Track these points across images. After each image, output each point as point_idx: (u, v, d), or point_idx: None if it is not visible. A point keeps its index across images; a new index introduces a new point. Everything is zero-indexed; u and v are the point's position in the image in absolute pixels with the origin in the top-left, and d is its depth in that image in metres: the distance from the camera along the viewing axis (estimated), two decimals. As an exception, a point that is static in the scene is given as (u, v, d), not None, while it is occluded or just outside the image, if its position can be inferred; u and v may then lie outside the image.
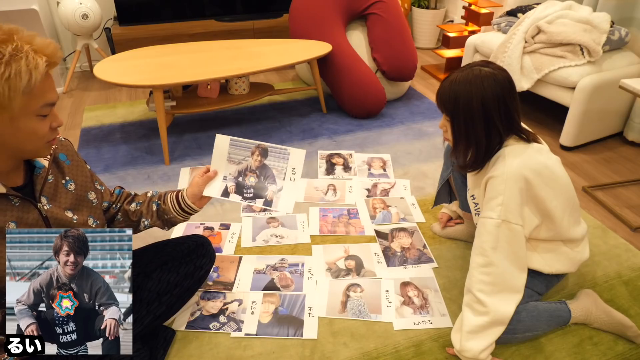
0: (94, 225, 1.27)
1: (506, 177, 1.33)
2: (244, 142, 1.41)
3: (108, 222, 1.41)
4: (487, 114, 1.33)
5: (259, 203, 1.41)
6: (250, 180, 1.42)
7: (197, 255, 1.50)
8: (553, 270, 1.49)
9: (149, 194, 1.46)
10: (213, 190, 1.41)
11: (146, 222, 1.43)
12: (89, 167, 1.34)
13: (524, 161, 1.34)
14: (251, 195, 1.42)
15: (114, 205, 1.42)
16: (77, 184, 1.26)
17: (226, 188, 1.41)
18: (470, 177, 1.56)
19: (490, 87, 1.31)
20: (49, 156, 1.18)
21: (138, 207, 1.43)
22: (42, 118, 1.00)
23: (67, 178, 1.23)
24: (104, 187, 1.39)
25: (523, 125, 1.46)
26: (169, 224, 1.46)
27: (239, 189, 1.42)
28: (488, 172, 1.39)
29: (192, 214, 1.44)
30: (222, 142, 1.42)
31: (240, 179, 1.42)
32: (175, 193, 1.42)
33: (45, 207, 1.14)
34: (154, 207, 1.42)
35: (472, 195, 1.54)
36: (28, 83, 0.92)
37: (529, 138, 1.40)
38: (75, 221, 1.21)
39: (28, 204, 1.10)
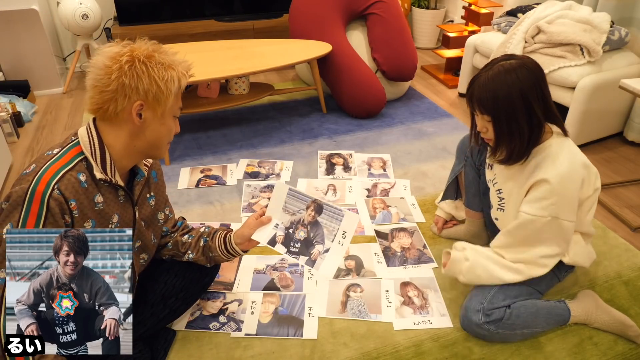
0: (153, 242, 1.34)
1: (563, 180, 1.36)
2: (302, 194, 1.39)
3: (159, 247, 1.43)
4: (527, 104, 1.33)
5: (302, 260, 1.36)
6: (300, 234, 1.38)
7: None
8: (572, 262, 1.51)
9: (202, 229, 1.46)
10: (262, 235, 1.37)
11: (190, 255, 1.43)
12: (166, 193, 1.42)
13: (572, 158, 1.38)
14: (297, 250, 1.36)
15: (170, 234, 1.44)
16: (156, 202, 1.34)
17: (274, 236, 1.37)
18: (500, 171, 1.55)
19: (525, 77, 1.32)
20: (147, 168, 1.28)
21: (189, 240, 1.43)
22: (175, 120, 1.19)
23: (152, 193, 1.33)
24: (172, 215, 1.44)
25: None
26: (212, 261, 1.44)
27: (287, 241, 1.37)
28: (535, 173, 1.40)
29: (235, 257, 1.43)
30: (280, 189, 1.39)
31: (290, 230, 1.38)
32: (224, 232, 1.42)
33: (137, 212, 1.25)
34: (202, 243, 1.43)
35: (499, 190, 1.55)
36: (178, 88, 1.12)
37: (563, 127, 1.43)
38: (145, 233, 1.30)
39: (129, 204, 1.22)
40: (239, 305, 1.62)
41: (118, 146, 1.13)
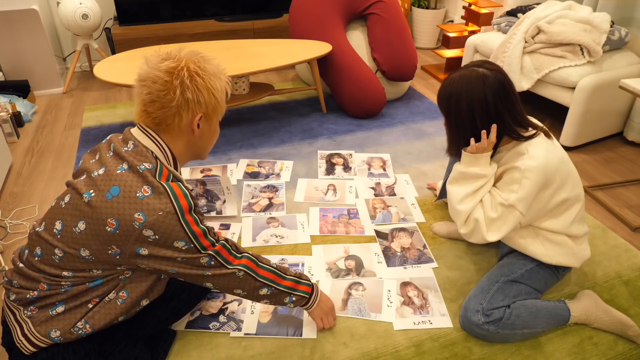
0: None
1: (528, 172, 1.37)
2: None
3: None
4: (472, 115, 1.38)
5: (212, 214, 1.99)
6: (201, 202, 1.99)
7: None
8: (553, 261, 1.51)
9: None
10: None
11: None
12: None
13: (547, 155, 1.38)
14: (205, 210, 2.01)
15: None
16: None
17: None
18: None
19: (477, 90, 1.36)
20: None
21: None
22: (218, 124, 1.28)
23: None
24: None
25: (535, 121, 1.51)
26: None
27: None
28: (504, 164, 1.44)
29: None
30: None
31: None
32: None
33: None
34: None
35: None
36: (226, 95, 1.20)
37: (520, 138, 1.43)
38: None
39: None
40: (238, 305, 1.62)
41: (176, 153, 1.20)
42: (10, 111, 2.74)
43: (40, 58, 3.25)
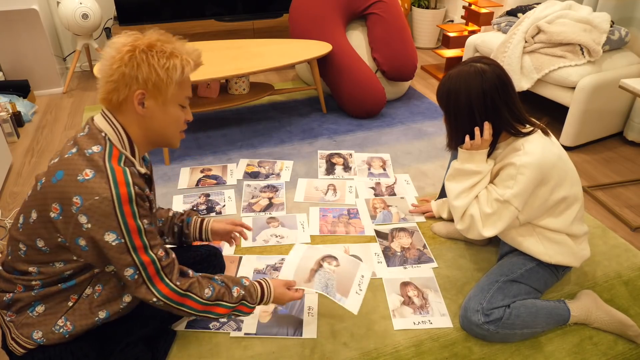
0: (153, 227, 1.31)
1: (524, 168, 1.38)
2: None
3: None
4: (471, 110, 1.39)
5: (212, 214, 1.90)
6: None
7: (207, 265, 1.51)
8: (553, 260, 1.51)
9: (170, 214, 1.49)
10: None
11: (167, 240, 1.50)
12: None
13: (543, 152, 1.38)
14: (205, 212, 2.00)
15: None
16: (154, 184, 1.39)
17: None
18: None
19: (475, 85, 1.37)
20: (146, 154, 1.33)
21: (160, 225, 1.47)
22: (182, 108, 1.19)
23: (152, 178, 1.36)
24: None
25: (534, 120, 1.51)
26: (184, 243, 1.53)
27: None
28: (501, 161, 1.45)
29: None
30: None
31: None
32: (199, 221, 1.49)
33: (151, 196, 1.25)
34: (175, 229, 1.48)
35: None
36: (180, 75, 1.11)
37: (518, 133, 1.43)
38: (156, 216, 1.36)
39: (149, 188, 1.27)
40: (238, 305, 1.62)
41: (133, 137, 1.15)
42: (10, 111, 2.74)
43: (40, 58, 3.25)
